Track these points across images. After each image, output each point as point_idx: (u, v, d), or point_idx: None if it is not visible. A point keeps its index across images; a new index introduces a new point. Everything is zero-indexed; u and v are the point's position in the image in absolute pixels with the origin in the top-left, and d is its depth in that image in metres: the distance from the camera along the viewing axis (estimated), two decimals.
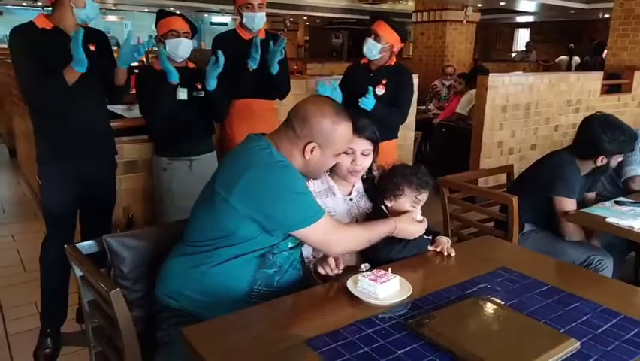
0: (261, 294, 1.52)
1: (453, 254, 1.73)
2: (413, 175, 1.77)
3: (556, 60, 10.89)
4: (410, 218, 1.69)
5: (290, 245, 1.57)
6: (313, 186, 1.80)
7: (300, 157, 1.54)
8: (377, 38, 2.85)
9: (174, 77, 2.41)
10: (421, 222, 1.71)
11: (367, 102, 2.72)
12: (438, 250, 1.74)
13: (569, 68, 10.25)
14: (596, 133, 2.41)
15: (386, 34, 2.85)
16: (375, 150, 1.83)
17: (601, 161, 2.46)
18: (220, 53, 2.44)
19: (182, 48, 2.51)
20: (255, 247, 1.49)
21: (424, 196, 1.78)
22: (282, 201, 1.46)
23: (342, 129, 1.54)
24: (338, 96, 2.80)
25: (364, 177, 1.86)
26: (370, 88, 2.74)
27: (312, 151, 1.52)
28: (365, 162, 1.79)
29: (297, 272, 1.61)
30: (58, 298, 2.39)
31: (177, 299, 1.54)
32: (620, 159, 2.52)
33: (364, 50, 2.90)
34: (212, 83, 2.50)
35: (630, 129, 2.45)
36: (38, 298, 2.39)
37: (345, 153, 1.74)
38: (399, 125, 3.01)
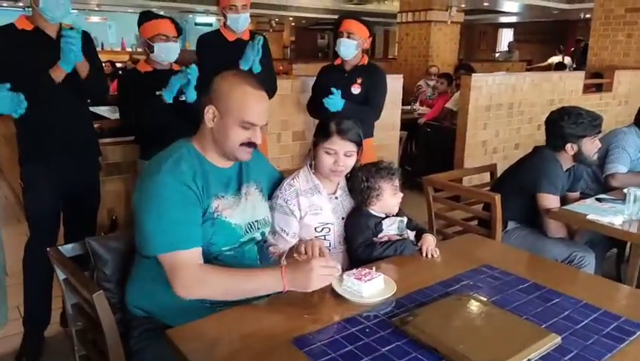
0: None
1: (436, 255, 1.74)
2: (377, 168, 1.82)
3: (548, 61, 11.02)
4: (307, 266, 1.38)
5: (230, 245, 1.52)
6: (299, 184, 1.80)
7: (207, 129, 1.48)
8: (351, 36, 2.90)
9: (169, 96, 2.38)
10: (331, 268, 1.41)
11: (332, 102, 2.75)
12: (423, 253, 1.75)
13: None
14: (557, 122, 2.49)
15: (357, 30, 2.92)
16: (359, 151, 1.84)
17: (572, 148, 2.49)
18: (189, 67, 2.35)
19: (172, 52, 2.49)
20: None
21: (398, 182, 1.83)
22: (143, 219, 1.41)
23: (242, 92, 1.45)
24: (342, 102, 2.80)
25: (348, 175, 1.87)
26: (333, 88, 2.77)
27: (213, 118, 1.46)
28: (348, 162, 1.79)
29: None
30: (42, 301, 2.36)
31: (141, 308, 1.53)
32: (597, 145, 2.53)
33: (341, 51, 2.94)
34: (191, 96, 2.41)
35: (590, 112, 2.51)
36: (21, 302, 2.36)
37: (328, 153, 1.75)
38: (373, 123, 3.06)
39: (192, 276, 1.38)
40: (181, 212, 1.40)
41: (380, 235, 1.78)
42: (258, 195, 1.66)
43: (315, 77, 3.21)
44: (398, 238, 1.80)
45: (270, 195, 1.80)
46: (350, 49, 2.91)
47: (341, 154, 1.76)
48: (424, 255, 1.74)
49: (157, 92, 2.41)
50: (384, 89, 3.03)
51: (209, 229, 1.48)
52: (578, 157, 2.52)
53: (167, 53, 2.47)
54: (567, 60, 10.60)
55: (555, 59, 10.97)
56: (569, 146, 2.49)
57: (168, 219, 1.39)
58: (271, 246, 1.76)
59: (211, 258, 1.49)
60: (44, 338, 2.40)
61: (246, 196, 1.60)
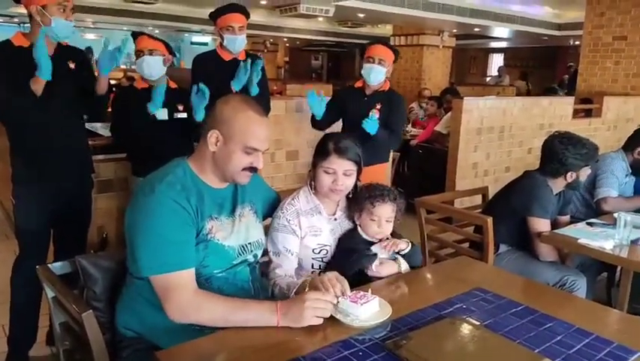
0: None
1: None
2: (370, 190, 1.79)
3: (515, 84, 11.38)
4: (301, 301, 1.36)
5: (222, 268, 1.51)
6: (300, 204, 1.79)
7: (208, 153, 1.47)
8: (382, 62, 2.90)
9: (154, 108, 2.40)
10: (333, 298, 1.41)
11: (370, 125, 2.74)
12: (384, 244, 1.74)
13: (528, 93, 10.74)
14: (560, 151, 2.50)
15: (388, 56, 2.92)
16: (359, 170, 1.82)
17: (570, 176, 2.53)
18: (202, 86, 2.41)
19: (146, 66, 2.51)
20: None
21: (380, 210, 1.75)
22: (135, 239, 1.39)
23: (245, 118, 1.45)
24: (322, 107, 2.84)
25: (350, 195, 1.85)
26: (373, 111, 2.78)
27: (216, 142, 1.45)
28: (348, 182, 1.77)
29: (243, 293, 1.54)
30: (28, 320, 2.32)
31: (131, 329, 1.51)
32: (589, 172, 2.59)
33: (370, 77, 2.92)
34: (200, 115, 2.46)
35: (590, 142, 2.55)
36: (6, 321, 2.32)
37: (327, 172, 1.73)
38: (394, 148, 3.07)
39: (187, 301, 1.36)
40: (175, 232, 1.39)
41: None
42: (252, 216, 1.65)
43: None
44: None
45: (267, 216, 1.78)
46: (380, 75, 2.92)
47: (340, 173, 1.74)
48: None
49: (151, 111, 2.44)
50: (403, 114, 3.06)
51: (202, 251, 1.46)
52: (574, 183, 2.56)
53: (142, 68, 2.51)
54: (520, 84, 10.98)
55: (521, 83, 11.32)
56: (569, 174, 2.52)
57: (161, 240, 1.37)
58: (277, 268, 1.71)
59: (202, 280, 1.47)
60: (29, 358, 2.35)
61: (240, 218, 1.59)
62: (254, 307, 1.38)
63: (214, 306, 1.37)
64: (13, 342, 2.32)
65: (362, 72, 2.98)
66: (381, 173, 2.93)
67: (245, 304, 1.39)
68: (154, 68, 2.53)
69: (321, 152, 1.77)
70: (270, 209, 1.81)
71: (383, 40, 3.03)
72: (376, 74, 2.92)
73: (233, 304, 1.38)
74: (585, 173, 2.56)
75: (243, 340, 1.32)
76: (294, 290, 1.55)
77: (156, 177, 1.46)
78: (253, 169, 1.52)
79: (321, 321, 1.35)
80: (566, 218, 2.73)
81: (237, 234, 1.56)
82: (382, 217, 1.75)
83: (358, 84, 3.08)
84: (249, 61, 2.66)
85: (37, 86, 2.05)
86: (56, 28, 2.11)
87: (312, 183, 1.80)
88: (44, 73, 2.02)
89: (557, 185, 2.56)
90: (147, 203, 1.40)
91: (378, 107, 2.92)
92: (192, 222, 1.43)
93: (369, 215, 1.76)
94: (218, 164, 1.49)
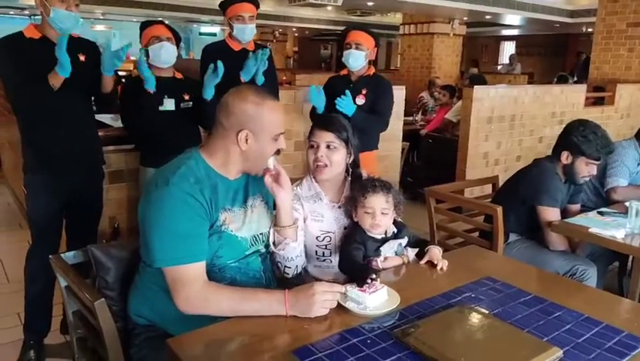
0: None
1: (445, 267, 1.70)
2: (362, 182, 1.78)
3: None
4: (310, 291, 1.37)
5: (235, 258, 1.52)
6: (301, 190, 1.80)
7: (237, 151, 1.49)
8: (359, 47, 2.90)
9: (151, 85, 2.40)
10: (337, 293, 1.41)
11: (344, 103, 2.74)
12: (434, 261, 1.71)
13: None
14: (570, 129, 2.48)
15: (365, 40, 2.93)
16: (349, 150, 1.80)
17: (566, 158, 2.47)
18: (220, 63, 2.42)
19: (164, 52, 2.49)
20: None
21: (372, 201, 1.70)
22: (148, 231, 1.41)
23: (269, 109, 1.49)
24: (322, 101, 2.86)
25: (349, 178, 1.84)
26: (348, 91, 2.78)
27: (246, 140, 1.47)
28: (333, 157, 1.76)
29: (255, 282, 1.56)
30: (43, 309, 2.36)
31: (143, 316, 1.54)
32: (588, 166, 2.46)
33: (349, 62, 2.94)
34: (209, 92, 2.47)
35: (606, 139, 2.44)
36: (22, 309, 2.36)
37: (312, 146, 1.77)
38: (379, 134, 3.05)
39: (196, 293, 1.38)
40: (187, 225, 1.40)
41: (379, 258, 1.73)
42: (263, 207, 1.65)
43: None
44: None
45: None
46: (359, 60, 2.92)
47: (322, 146, 1.75)
48: (437, 268, 1.69)
49: (159, 100, 2.44)
50: (390, 99, 3.03)
51: (216, 242, 1.48)
52: (567, 169, 2.50)
53: (159, 53, 2.49)
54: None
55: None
56: (564, 154, 2.47)
57: (173, 233, 1.38)
58: (280, 253, 1.68)
59: (216, 270, 1.49)
60: (44, 346, 2.39)
61: (252, 209, 1.60)
62: (262, 298, 1.39)
63: (222, 298, 1.39)
64: (29, 330, 2.36)
65: (342, 60, 3.00)
66: (371, 161, 2.91)
67: (253, 294, 1.40)
68: (172, 55, 2.53)
69: (310, 131, 1.81)
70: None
71: (360, 27, 3.03)
72: (355, 59, 2.91)
73: (241, 295, 1.39)
74: (582, 165, 2.46)
75: (253, 327, 1.33)
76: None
77: (169, 169, 1.46)
78: (278, 152, 1.57)
79: (327, 311, 1.37)
80: (577, 207, 2.71)
81: (249, 224, 1.57)
82: (376, 209, 1.70)
83: (344, 72, 3.09)
84: (259, 52, 2.65)
85: (56, 81, 2.07)
86: (56, 19, 2.11)
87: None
88: (65, 69, 2.03)
89: (561, 171, 2.53)
90: (160, 196, 1.41)
91: (364, 92, 2.93)
92: (205, 215, 1.44)
93: (362, 208, 1.72)
94: (251, 159, 1.52)
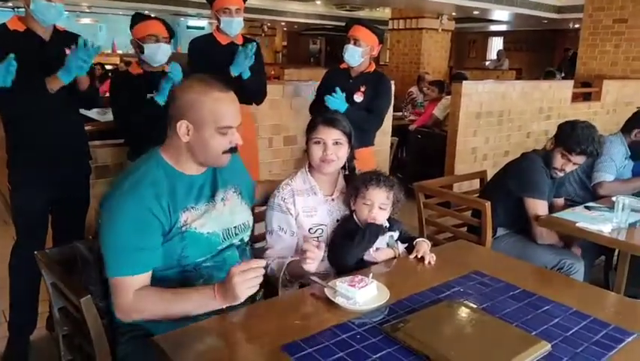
0: None
1: (433, 262, 1.71)
2: (367, 173, 1.78)
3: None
4: (229, 277, 1.34)
5: (206, 255, 1.50)
6: (295, 184, 1.80)
7: (181, 143, 1.44)
8: (357, 43, 2.84)
9: (161, 99, 2.35)
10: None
11: (333, 101, 2.67)
12: (419, 255, 1.73)
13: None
14: (574, 121, 2.50)
15: (365, 37, 2.85)
16: (351, 146, 1.82)
17: (549, 145, 2.52)
18: (173, 64, 2.36)
19: (161, 53, 2.46)
20: (164, 263, 1.45)
21: (373, 194, 1.72)
22: (101, 239, 1.42)
23: (212, 99, 1.42)
24: (343, 102, 2.73)
25: (346, 172, 1.85)
26: (338, 88, 2.72)
27: (187, 132, 1.42)
28: (339, 153, 1.77)
29: None
30: (28, 305, 2.33)
31: None
32: (564, 162, 2.47)
33: (346, 57, 2.88)
34: (162, 97, 2.36)
35: (591, 141, 2.40)
36: (6, 306, 2.32)
37: (317, 143, 1.76)
38: (374, 131, 3.02)
39: (127, 303, 1.39)
40: (133, 238, 1.38)
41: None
42: (236, 199, 1.63)
43: (305, 83, 3.19)
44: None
45: (252, 202, 1.78)
46: (354, 56, 2.85)
47: (329, 142, 1.75)
48: (425, 262, 1.71)
49: (149, 95, 2.40)
50: (388, 98, 3.00)
51: (179, 243, 1.45)
52: (546, 159, 2.53)
53: (156, 53, 2.45)
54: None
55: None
56: (549, 141, 2.54)
57: (119, 245, 1.39)
58: (269, 249, 1.74)
59: (189, 269, 1.48)
60: (30, 343, 2.36)
61: (224, 202, 1.57)
62: (193, 297, 1.38)
63: (152, 304, 1.39)
64: (14, 327, 2.33)
65: (343, 53, 2.94)
66: (368, 157, 2.89)
67: (184, 295, 1.39)
68: (167, 55, 2.50)
69: (311, 126, 1.81)
70: (252, 194, 1.80)
71: (364, 22, 2.94)
72: (351, 55, 2.85)
73: (172, 297, 1.39)
74: (558, 157, 2.46)
75: (240, 325, 1.32)
76: (283, 270, 1.59)
77: (129, 172, 1.45)
78: (233, 149, 1.50)
79: (256, 289, 1.34)
80: (561, 201, 2.73)
81: (219, 218, 1.54)
82: (375, 202, 1.72)
83: (343, 65, 3.01)
84: (249, 46, 2.62)
85: (55, 85, 2.05)
86: (37, 10, 2.07)
87: (308, 162, 1.81)
88: (70, 76, 2.02)
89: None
90: (112, 205, 1.40)
91: (362, 89, 2.88)
92: (159, 225, 1.41)
93: (362, 198, 1.74)
94: (196, 152, 1.47)
